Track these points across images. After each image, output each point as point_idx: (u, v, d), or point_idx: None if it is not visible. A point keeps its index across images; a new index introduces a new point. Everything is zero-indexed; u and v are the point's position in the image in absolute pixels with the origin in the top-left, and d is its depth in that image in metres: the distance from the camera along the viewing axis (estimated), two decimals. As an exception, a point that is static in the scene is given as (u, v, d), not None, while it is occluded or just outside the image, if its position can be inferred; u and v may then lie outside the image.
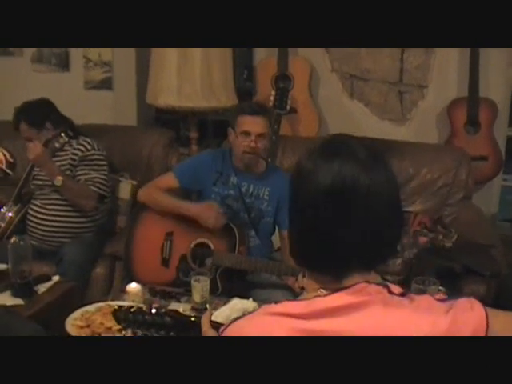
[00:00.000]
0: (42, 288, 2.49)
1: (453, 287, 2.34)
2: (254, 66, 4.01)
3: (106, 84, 4.12)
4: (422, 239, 2.22)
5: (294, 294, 2.46)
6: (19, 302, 2.36)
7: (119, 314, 1.47)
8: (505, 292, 2.58)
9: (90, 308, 2.26)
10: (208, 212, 2.63)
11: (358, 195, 1.02)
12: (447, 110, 3.63)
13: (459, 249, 2.30)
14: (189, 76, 3.35)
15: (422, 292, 1.94)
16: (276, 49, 3.73)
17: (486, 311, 1.03)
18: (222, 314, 1.82)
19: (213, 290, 2.40)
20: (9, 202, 3.20)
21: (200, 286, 2.27)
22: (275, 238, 2.88)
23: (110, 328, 2.07)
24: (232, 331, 1.07)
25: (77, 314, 2.21)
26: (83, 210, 3.11)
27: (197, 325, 1.34)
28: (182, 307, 2.28)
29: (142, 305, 2.22)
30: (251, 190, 2.76)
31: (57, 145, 3.03)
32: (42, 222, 3.10)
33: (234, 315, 1.16)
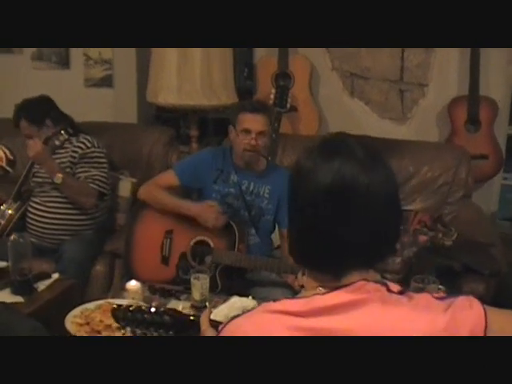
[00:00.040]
0: (41, 285, 2.49)
1: (452, 286, 2.34)
2: (255, 64, 4.01)
3: (106, 82, 4.13)
4: (422, 238, 2.22)
5: (294, 292, 2.46)
6: (19, 299, 2.36)
7: (118, 313, 1.47)
8: (504, 291, 2.58)
9: (90, 305, 2.26)
10: (208, 212, 2.63)
11: (357, 194, 1.02)
12: (448, 108, 3.62)
13: (459, 247, 2.30)
14: (189, 74, 3.35)
15: (421, 290, 1.94)
16: (276, 47, 3.74)
17: (484, 309, 1.04)
18: (221, 312, 1.82)
19: (212, 287, 2.40)
20: (8, 200, 3.20)
21: (200, 284, 2.28)
22: (275, 236, 2.88)
23: (109, 326, 2.07)
24: (231, 329, 1.08)
25: (76, 311, 2.21)
26: (83, 208, 3.11)
27: (196, 324, 1.34)
28: (181, 305, 2.28)
29: (141, 302, 2.23)
30: (251, 188, 2.76)
31: (57, 142, 3.03)
32: (42, 220, 3.10)
33: (233, 313, 1.16)
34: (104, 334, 2.08)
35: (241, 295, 2.16)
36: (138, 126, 4.06)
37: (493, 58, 3.54)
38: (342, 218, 1.03)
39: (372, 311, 1.02)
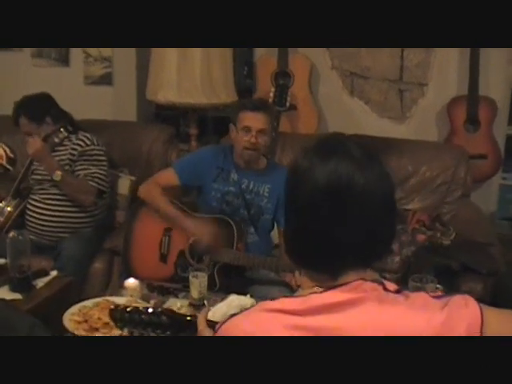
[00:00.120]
0: (40, 283, 2.50)
1: (450, 285, 2.35)
2: (254, 62, 4.00)
3: (105, 79, 4.12)
4: (421, 237, 2.22)
5: (292, 291, 2.47)
6: (17, 296, 2.37)
7: (115, 314, 1.47)
8: (502, 290, 2.59)
9: (88, 303, 2.26)
10: (202, 228, 2.63)
11: (354, 194, 1.03)
12: (447, 108, 3.62)
13: (457, 247, 2.31)
14: (189, 72, 3.35)
15: (419, 290, 1.94)
16: (276, 46, 3.73)
17: (480, 308, 1.04)
18: (218, 310, 1.82)
19: (211, 285, 2.41)
20: (7, 197, 3.19)
21: (198, 282, 2.28)
22: (274, 235, 2.88)
23: (107, 323, 2.07)
24: (228, 327, 1.08)
25: (75, 308, 2.21)
26: (82, 205, 3.11)
27: (193, 324, 1.34)
28: (179, 303, 2.29)
29: (139, 300, 2.24)
30: (251, 187, 2.76)
31: (56, 140, 3.03)
32: (41, 217, 3.10)
33: (231, 312, 1.16)
34: (102, 331, 2.09)
35: (239, 293, 2.16)
36: (137, 123, 4.05)
37: (492, 57, 3.54)
38: (338, 217, 1.03)
39: (369, 310, 1.03)
